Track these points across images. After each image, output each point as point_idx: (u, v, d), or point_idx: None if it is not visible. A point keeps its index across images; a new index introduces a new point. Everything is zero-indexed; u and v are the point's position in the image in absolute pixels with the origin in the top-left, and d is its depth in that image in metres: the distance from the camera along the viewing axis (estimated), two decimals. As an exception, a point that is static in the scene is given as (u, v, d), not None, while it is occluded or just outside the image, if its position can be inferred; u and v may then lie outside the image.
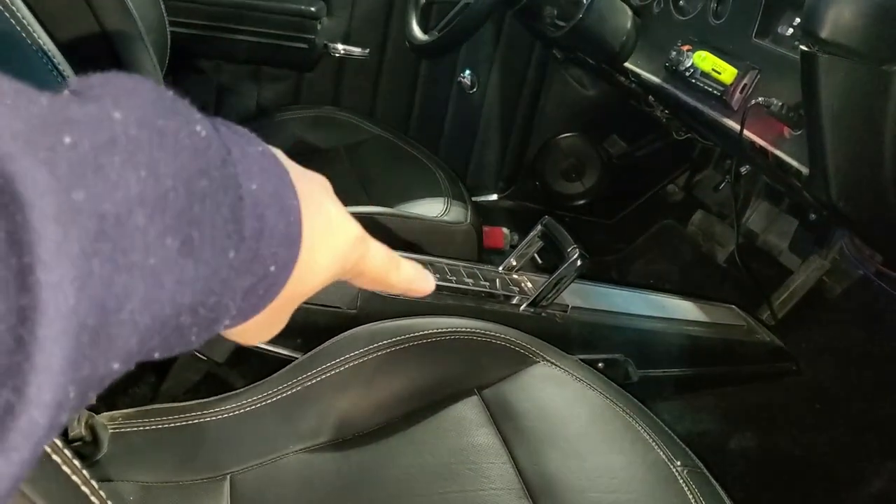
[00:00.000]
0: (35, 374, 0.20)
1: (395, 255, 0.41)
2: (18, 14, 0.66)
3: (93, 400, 0.24)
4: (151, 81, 0.27)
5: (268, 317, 0.33)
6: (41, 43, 0.72)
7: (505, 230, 1.83)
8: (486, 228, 1.69)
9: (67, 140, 0.22)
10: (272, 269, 0.30)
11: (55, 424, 0.21)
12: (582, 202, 2.12)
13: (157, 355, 0.26)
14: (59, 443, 0.37)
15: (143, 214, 0.23)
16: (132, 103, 0.25)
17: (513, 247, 1.74)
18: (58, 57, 0.74)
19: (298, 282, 0.32)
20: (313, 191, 0.34)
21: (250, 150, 0.30)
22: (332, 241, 0.35)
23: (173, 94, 0.28)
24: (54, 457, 0.36)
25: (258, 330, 0.34)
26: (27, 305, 0.20)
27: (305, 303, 0.38)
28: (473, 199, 1.63)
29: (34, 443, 0.21)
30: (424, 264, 1.17)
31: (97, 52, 0.91)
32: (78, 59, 0.80)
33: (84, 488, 0.37)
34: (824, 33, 0.86)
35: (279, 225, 0.30)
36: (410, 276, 0.42)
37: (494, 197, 2.18)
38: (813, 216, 1.56)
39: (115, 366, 0.24)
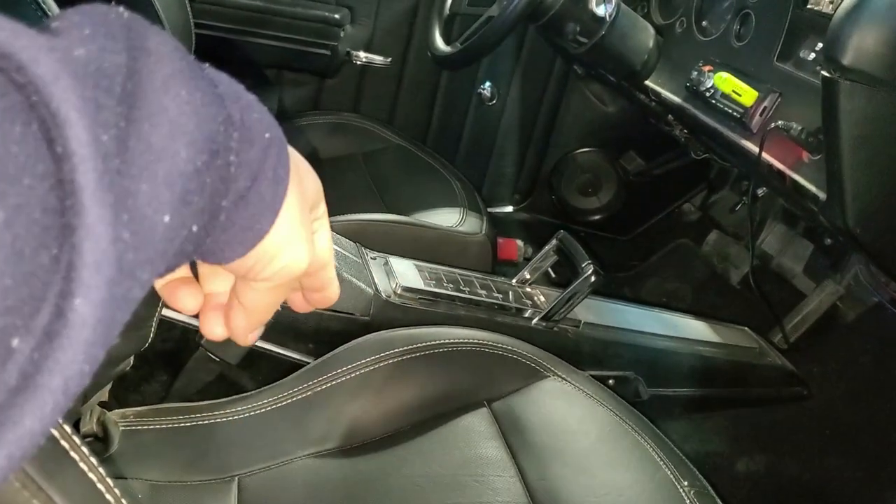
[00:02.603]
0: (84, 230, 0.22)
1: None
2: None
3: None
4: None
5: (298, 211, 0.34)
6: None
7: (519, 242, 1.83)
8: (500, 240, 1.69)
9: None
10: (266, 136, 0.32)
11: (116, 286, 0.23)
12: (597, 218, 2.12)
13: (195, 227, 0.28)
14: (76, 440, 0.38)
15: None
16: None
17: (526, 259, 1.74)
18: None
19: (297, 172, 0.34)
20: None
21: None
22: (300, 157, 0.37)
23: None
24: (72, 453, 0.37)
25: (295, 235, 0.34)
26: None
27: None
28: (489, 210, 1.63)
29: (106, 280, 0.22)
30: (438, 274, 1.18)
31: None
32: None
33: (100, 486, 0.37)
34: (846, 60, 0.86)
35: (249, 97, 0.32)
36: (335, 278, 0.42)
37: (510, 209, 2.18)
38: (829, 241, 1.56)
39: (166, 218, 0.25)
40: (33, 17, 0.65)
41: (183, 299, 0.38)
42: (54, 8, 0.67)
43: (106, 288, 0.22)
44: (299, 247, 0.34)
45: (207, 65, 0.32)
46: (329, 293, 0.42)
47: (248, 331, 0.39)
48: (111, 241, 0.22)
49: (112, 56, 0.24)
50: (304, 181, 0.35)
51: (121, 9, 0.27)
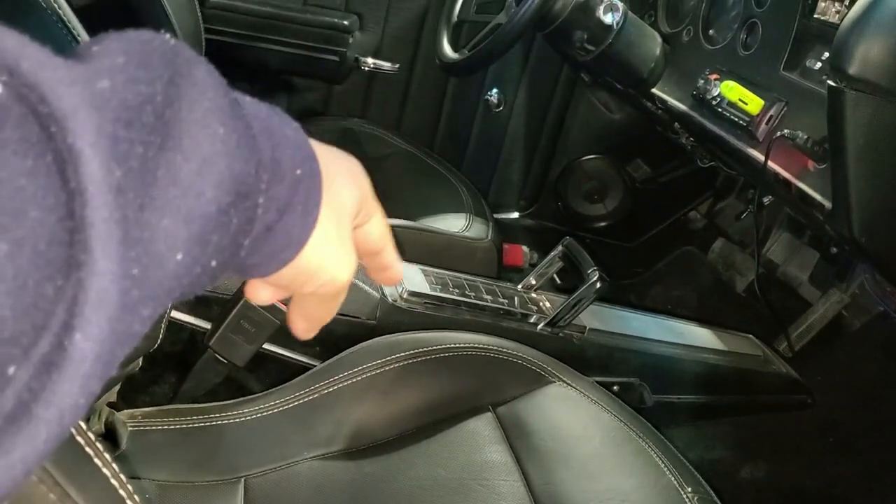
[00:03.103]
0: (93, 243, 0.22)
1: None
2: (74, 31, 0.68)
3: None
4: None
5: (334, 232, 0.34)
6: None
7: (525, 248, 1.84)
8: (506, 246, 1.69)
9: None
10: (298, 172, 0.31)
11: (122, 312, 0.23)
12: (603, 224, 2.13)
13: (214, 263, 0.28)
14: (91, 436, 0.39)
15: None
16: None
17: (532, 265, 1.74)
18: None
19: (333, 191, 0.34)
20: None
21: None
22: (345, 164, 0.37)
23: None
24: (87, 449, 0.38)
25: (330, 255, 0.35)
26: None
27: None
28: (495, 216, 1.64)
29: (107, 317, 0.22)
30: (444, 279, 1.18)
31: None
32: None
33: (114, 481, 0.38)
34: (852, 70, 0.86)
35: (286, 131, 0.32)
36: (396, 259, 0.42)
37: (516, 215, 2.19)
38: (834, 249, 1.56)
39: (179, 256, 0.25)
40: (60, 37, 0.65)
41: (259, 291, 0.38)
42: (79, 28, 0.68)
43: (107, 325, 0.22)
44: (335, 264, 0.35)
45: (249, 98, 0.32)
46: (392, 274, 0.43)
47: (308, 332, 0.40)
48: (116, 279, 0.22)
49: (143, 87, 0.24)
50: (340, 195, 0.35)
51: (167, 36, 0.27)
